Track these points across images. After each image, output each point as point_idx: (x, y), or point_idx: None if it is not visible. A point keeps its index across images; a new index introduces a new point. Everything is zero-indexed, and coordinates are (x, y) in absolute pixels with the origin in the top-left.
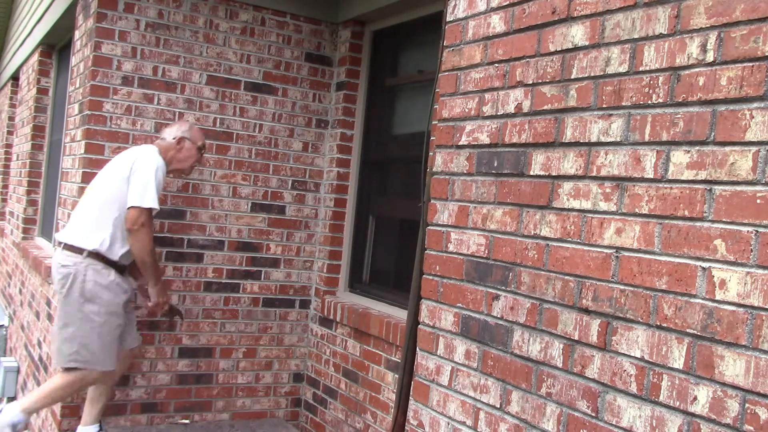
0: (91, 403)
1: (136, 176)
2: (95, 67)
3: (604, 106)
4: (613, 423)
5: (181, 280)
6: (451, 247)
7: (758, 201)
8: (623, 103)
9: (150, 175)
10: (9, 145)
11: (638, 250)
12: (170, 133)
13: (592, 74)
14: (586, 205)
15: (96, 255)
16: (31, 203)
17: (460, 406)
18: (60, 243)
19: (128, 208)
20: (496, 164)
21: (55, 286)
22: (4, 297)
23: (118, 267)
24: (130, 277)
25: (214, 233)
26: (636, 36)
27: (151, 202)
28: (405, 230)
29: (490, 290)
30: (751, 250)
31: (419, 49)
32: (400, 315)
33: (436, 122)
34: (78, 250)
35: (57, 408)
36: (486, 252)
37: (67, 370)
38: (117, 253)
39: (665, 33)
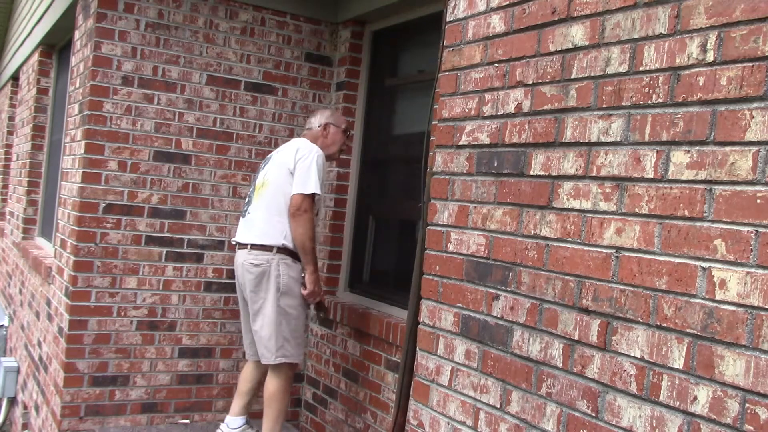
0: (240, 396)
1: (299, 165)
2: (95, 67)
3: (604, 106)
4: (613, 423)
5: (181, 280)
6: (451, 247)
7: (758, 201)
8: (623, 103)
9: (312, 163)
10: (9, 145)
11: (638, 250)
12: (315, 122)
13: (592, 74)
14: (586, 205)
15: (284, 249)
16: (31, 203)
17: (460, 406)
18: (245, 245)
19: (292, 195)
20: (496, 164)
21: (248, 286)
22: (4, 297)
23: (298, 258)
24: None
25: (214, 233)
26: (636, 36)
27: (313, 187)
28: (405, 230)
29: (490, 290)
30: (751, 250)
31: (419, 49)
32: (400, 315)
33: (436, 122)
34: (267, 248)
35: (57, 408)
36: (486, 252)
37: (273, 372)
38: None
39: (665, 33)
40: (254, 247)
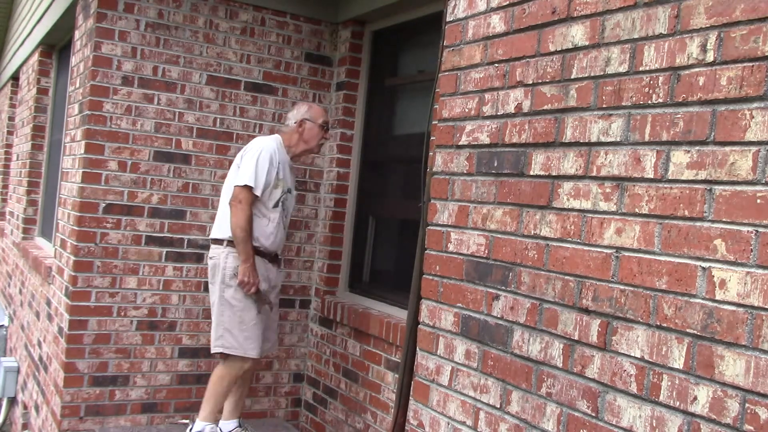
0: (235, 399)
1: (243, 160)
2: (95, 67)
3: (604, 106)
4: (613, 423)
5: (181, 280)
6: (451, 247)
7: (758, 201)
8: (623, 103)
9: (252, 158)
10: (9, 145)
11: (638, 250)
12: (291, 118)
13: (592, 74)
14: (586, 205)
15: (233, 242)
16: (31, 203)
17: (460, 406)
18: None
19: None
20: (496, 164)
21: (209, 278)
22: (4, 297)
23: (260, 253)
24: (276, 270)
25: None
26: (636, 36)
27: (247, 179)
28: (405, 230)
29: (490, 290)
30: (751, 250)
31: (419, 49)
32: (400, 315)
33: (436, 122)
34: (219, 241)
35: (57, 408)
36: (486, 252)
37: (222, 362)
38: (254, 237)
39: (665, 33)
40: (213, 241)
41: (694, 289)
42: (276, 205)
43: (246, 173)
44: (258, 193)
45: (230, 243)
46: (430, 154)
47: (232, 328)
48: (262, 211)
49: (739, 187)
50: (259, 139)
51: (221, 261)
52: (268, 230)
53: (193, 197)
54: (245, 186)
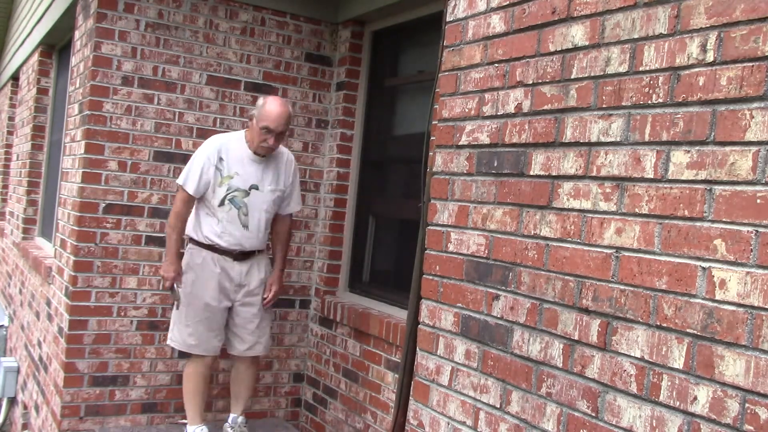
0: (232, 396)
1: None
2: (95, 67)
3: (604, 106)
4: (613, 423)
5: None
6: (451, 247)
7: (758, 201)
8: (623, 103)
9: (193, 156)
10: (9, 145)
11: (638, 250)
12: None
13: (592, 74)
14: (586, 205)
15: (190, 239)
16: (31, 203)
17: (460, 406)
18: None
19: None
20: (496, 164)
21: None
22: (4, 297)
23: (216, 249)
24: (245, 268)
25: None
26: (636, 36)
27: (179, 178)
28: (405, 230)
29: (490, 290)
30: (751, 250)
31: (419, 49)
32: (400, 315)
33: (436, 122)
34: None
35: (57, 408)
36: (486, 252)
37: (186, 363)
38: (204, 235)
39: (665, 33)
40: None
41: (694, 289)
42: (222, 203)
43: (182, 173)
44: (190, 191)
45: (190, 240)
46: (430, 154)
47: (178, 323)
48: (209, 210)
49: (739, 187)
50: (211, 137)
51: (185, 258)
52: (218, 228)
53: None
54: (180, 185)
